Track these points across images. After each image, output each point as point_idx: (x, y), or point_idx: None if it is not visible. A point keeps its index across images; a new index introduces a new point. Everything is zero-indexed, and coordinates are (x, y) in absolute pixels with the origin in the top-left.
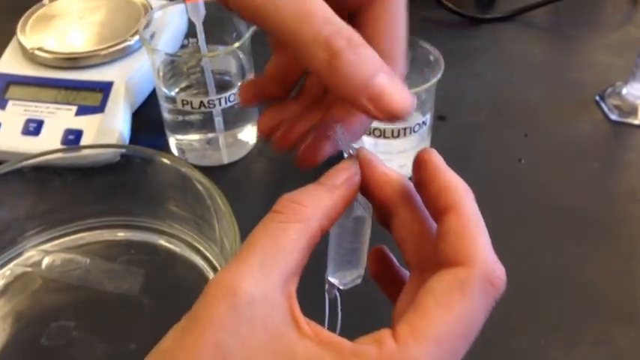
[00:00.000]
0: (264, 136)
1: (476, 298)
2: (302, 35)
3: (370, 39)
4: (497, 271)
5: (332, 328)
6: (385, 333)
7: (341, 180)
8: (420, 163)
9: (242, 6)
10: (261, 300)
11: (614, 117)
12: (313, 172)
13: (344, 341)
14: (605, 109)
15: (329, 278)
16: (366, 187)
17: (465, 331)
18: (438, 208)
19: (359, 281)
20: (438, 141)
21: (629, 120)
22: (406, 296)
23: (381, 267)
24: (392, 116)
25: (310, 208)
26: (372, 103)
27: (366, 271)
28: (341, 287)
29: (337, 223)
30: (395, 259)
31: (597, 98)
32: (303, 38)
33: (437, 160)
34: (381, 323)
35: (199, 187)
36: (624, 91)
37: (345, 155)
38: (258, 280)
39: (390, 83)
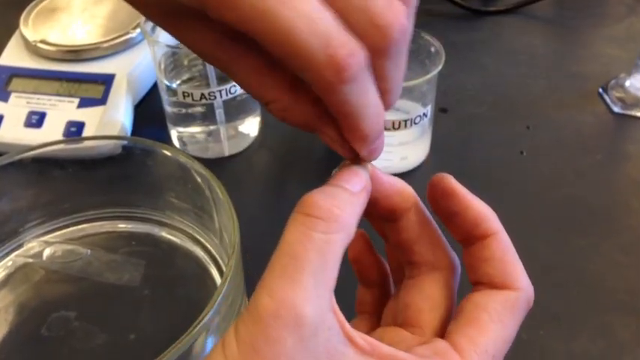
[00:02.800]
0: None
1: (520, 318)
2: (308, 49)
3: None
4: (532, 292)
5: None
6: (444, 344)
7: (360, 187)
8: (443, 193)
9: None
10: (321, 326)
11: (617, 109)
12: (313, 164)
13: (404, 354)
14: (608, 101)
15: None
16: (375, 199)
17: (507, 347)
18: (475, 235)
19: None
20: (439, 133)
21: (632, 112)
22: (420, 294)
23: (360, 250)
24: (365, 160)
25: (349, 218)
26: (368, 150)
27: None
28: None
29: None
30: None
31: (600, 90)
32: (309, 52)
33: (461, 187)
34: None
35: (198, 178)
36: (627, 83)
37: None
38: (317, 305)
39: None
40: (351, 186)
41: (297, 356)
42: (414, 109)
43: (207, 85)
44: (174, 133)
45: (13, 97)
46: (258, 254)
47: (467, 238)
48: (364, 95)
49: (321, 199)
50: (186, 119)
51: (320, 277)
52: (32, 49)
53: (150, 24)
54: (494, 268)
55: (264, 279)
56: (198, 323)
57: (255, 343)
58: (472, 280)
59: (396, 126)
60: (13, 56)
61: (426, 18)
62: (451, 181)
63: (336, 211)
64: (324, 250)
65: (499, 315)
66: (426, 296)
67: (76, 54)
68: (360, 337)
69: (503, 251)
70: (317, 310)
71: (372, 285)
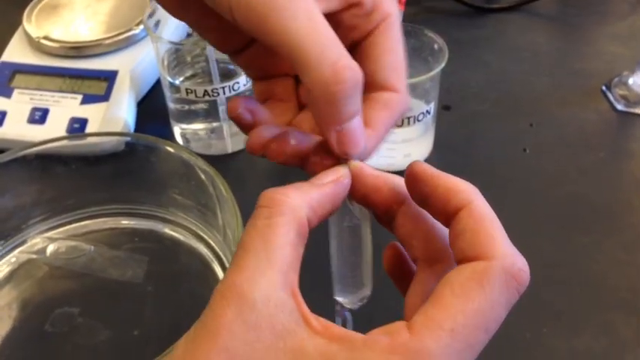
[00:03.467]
0: (255, 153)
1: (495, 291)
2: (309, 50)
3: (372, 67)
4: (519, 263)
5: None
6: (399, 324)
7: (329, 179)
8: (415, 177)
9: (245, 15)
10: (264, 302)
11: (620, 107)
12: None
13: (355, 334)
14: (612, 98)
15: (337, 299)
16: (365, 195)
17: (482, 323)
18: (449, 211)
19: (366, 301)
20: (442, 131)
21: (635, 110)
22: (416, 289)
23: (394, 262)
24: (343, 155)
25: (294, 200)
26: (337, 139)
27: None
28: (348, 307)
29: (334, 235)
30: (407, 255)
31: (603, 88)
32: (310, 54)
33: (431, 168)
34: None
35: (202, 175)
36: (630, 81)
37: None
38: (257, 283)
39: (359, 128)
40: (318, 179)
41: (236, 328)
42: (418, 106)
43: (211, 81)
44: (177, 130)
45: (16, 93)
46: None
47: (446, 219)
48: None
49: (269, 191)
50: (189, 116)
51: (262, 258)
52: (35, 45)
53: (153, 20)
54: (466, 241)
55: None
56: None
57: (204, 320)
58: (455, 260)
59: (399, 123)
60: (16, 52)
61: (429, 15)
62: (421, 165)
63: (278, 196)
64: (266, 233)
65: (463, 288)
66: (420, 292)
67: (78, 50)
68: (315, 319)
69: (476, 222)
70: (258, 287)
71: None
